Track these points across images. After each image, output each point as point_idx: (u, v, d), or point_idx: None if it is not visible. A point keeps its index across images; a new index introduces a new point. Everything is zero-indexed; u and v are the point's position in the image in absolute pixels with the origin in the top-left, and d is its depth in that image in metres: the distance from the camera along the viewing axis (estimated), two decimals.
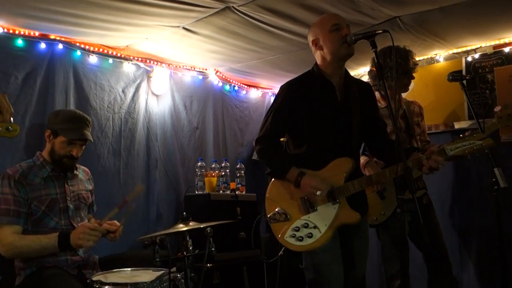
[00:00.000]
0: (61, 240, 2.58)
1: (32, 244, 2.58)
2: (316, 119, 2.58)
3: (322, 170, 2.55)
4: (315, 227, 2.48)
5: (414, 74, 3.31)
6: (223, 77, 5.02)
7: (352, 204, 2.51)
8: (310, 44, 2.67)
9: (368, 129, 2.70)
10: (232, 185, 4.49)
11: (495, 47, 4.05)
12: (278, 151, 2.67)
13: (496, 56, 4.04)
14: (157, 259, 2.39)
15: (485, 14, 3.44)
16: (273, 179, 2.69)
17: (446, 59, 4.31)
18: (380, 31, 2.26)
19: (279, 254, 3.46)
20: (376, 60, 2.26)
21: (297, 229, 2.51)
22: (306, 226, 2.50)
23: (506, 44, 3.98)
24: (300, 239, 2.49)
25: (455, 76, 3.08)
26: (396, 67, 3.28)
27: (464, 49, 4.17)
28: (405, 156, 2.15)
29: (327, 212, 2.49)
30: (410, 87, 3.45)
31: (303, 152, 2.62)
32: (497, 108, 3.01)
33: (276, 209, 2.57)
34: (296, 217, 2.53)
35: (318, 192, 2.44)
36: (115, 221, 2.82)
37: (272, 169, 2.68)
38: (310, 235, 2.48)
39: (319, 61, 2.66)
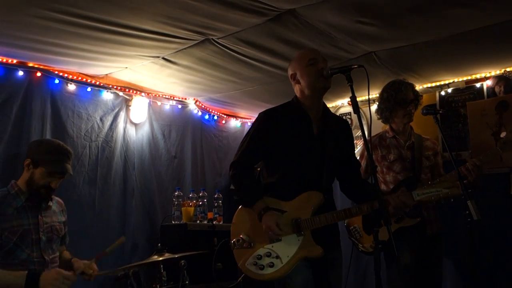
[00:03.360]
0: (29, 281, 2.43)
1: None
2: (290, 149, 2.59)
3: (291, 201, 2.55)
4: (277, 257, 2.47)
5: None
6: (203, 106, 5.04)
7: (317, 238, 2.50)
8: (290, 78, 2.72)
9: (342, 166, 2.72)
10: (210, 215, 4.46)
11: (467, 82, 4.17)
12: (249, 180, 2.65)
13: (468, 91, 4.16)
14: None
15: (457, 51, 3.56)
16: (240, 207, 2.69)
17: (420, 92, 4.40)
18: (355, 66, 2.31)
19: (238, 280, 3.41)
20: (352, 94, 2.31)
21: (259, 257, 2.49)
22: (268, 255, 2.48)
23: (477, 80, 4.11)
24: (261, 267, 2.47)
25: (429, 110, 3.15)
26: (388, 99, 3.37)
27: (437, 83, 4.28)
28: (375, 192, 2.18)
29: (291, 243, 2.48)
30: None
31: (275, 181, 2.62)
32: (503, 134, 3.07)
33: (241, 235, 2.56)
34: (260, 245, 2.52)
35: (276, 232, 2.44)
36: (94, 265, 2.77)
37: (240, 197, 2.68)
38: (271, 265, 2.46)
39: (298, 94, 2.69)
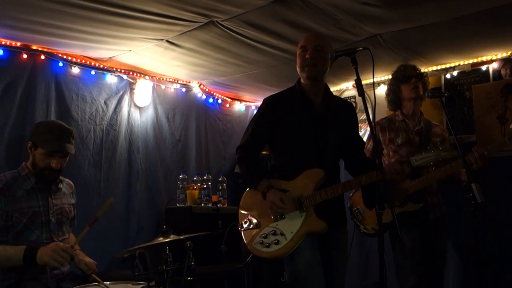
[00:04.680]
0: (27, 254, 2.47)
1: None
2: (293, 132, 2.65)
3: (293, 180, 2.61)
4: (282, 234, 2.53)
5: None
6: (207, 90, 5.03)
7: (320, 214, 2.55)
8: None
9: (346, 148, 2.76)
10: (214, 198, 4.48)
11: (473, 65, 4.14)
12: (254, 162, 2.72)
13: (474, 74, 4.13)
14: (136, 273, 2.36)
15: (463, 33, 3.52)
16: (246, 191, 2.75)
17: None
18: (360, 48, 2.30)
19: (247, 260, 3.46)
20: (356, 77, 2.30)
21: (265, 236, 2.56)
22: (273, 233, 2.55)
23: (483, 63, 4.08)
24: (267, 245, 2.54)
25: (434, 93, 3.14)
26: (392, 82, 3.39)
27: (443, 66, 4.26)
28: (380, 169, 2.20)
29: (294, 220, 2.55)
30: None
31: (278, 163, 2.71)
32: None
33: (248, 217, 2.64)
34: (265, 224, 2.59)
35: (276, 208, 2.51)
36: (93, 264, 2.80)
37: (246, 178, 2.76)
38: (276, 242, 2.53)
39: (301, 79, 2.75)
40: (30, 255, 2.46)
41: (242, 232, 2.65)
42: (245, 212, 2.69)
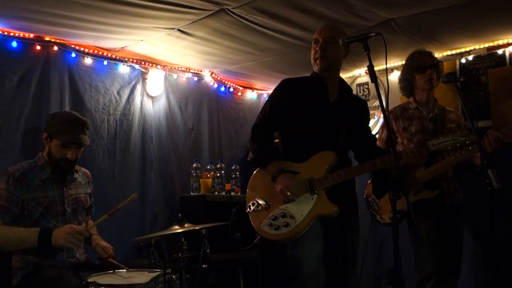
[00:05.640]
0: (41, 235, 2.52)
1: (11, 234, 2.52)
2: (305, 114, 2.65)
3: (304, 162, 2.59)
4: (291, 216, 2.50)
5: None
6: (218, 78, 5.02)
7: (332, 197, 2.53)
8: None
9: (357, 140, 2.75)
10: (227, 186, 4.50)
11: (488, 49, 4.07)
12: (267, 141, 2.69)
13: (489, 58, 4.06)
14: (152, 261, 2.39)
15: (479, 16, 3.46)
16: (255, 171, 2.73)
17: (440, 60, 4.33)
18: (373, 34, 2.27)
19: (254, 242, 3.46)
20: (369, 63, 2.28)
21: (274, 218, 2.53)
22: (283, 215, 2.51)
23: (499, 46, 4.00)
24: (276, 228, 2.51)
25: (449, 78, 3.10)
26: (406, 70, 3.35)
27: (458, 51, 4.19)
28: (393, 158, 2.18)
29: (305, 203, 2.52)
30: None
31: (290, 145, 2.71)
32: None
33: (256, 199, 2.61)
34: (275, 206, 2.56)
35: (289, 193, 2.48)
36: (110, 249, 2.83)
37: (256, 156, 2.71)
38: (286, 225, 2.49)
39: None
40: (44, 236, 2.51)
41: (249, 214, 2.62)
42: (253, 193, 2.66)
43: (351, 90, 2.89)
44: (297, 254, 2.53)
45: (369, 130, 2.94)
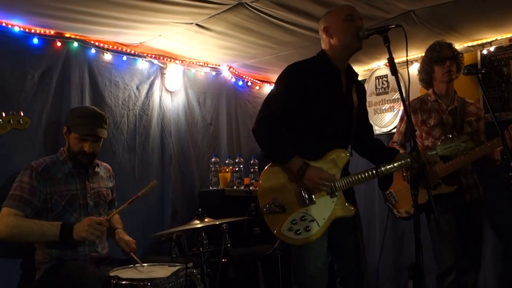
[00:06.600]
0: (63, 229, 2.58)
1: (33, 226, 2.58)
2: (320, 108, 2.50)
3: (318, 161, 2.49)
4: (312, 220, 2.44)
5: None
6: (236, 73, 5.02)
7: (347, 198, 2.51)
8: (321, 30, 2.66)
9: (359, 132, 2.70)
10: (246, 181, 4.50)
11: (510, 39, 3.98)
12: (282, 134, 2.50)
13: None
14: (174, 255, 2.41)
15: (500, 6, 3.39)
16: (266, 167, 2.60)
17: (461, 52, 4.25)
18: (393, 26, 2.25)
19: (274, 247, 3.42)
20: (389, 55, 2.25)
21: (295, 222, 2.45)
22: (304, 219, 2.44)
23: None
24: (298, 232, 2.44)
25: (470, 69, 3.05)
26: (425, 61, 3.31)
27: (479, 42, 4.11)
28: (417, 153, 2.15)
29: (326, 206, 2.46)
30: None
31: (301, 141, 2.53)
32: None
33: (272, 201, 2.48)
34: (294, 209, 2.47)
35: (328, 183, 2.41)
36: (133, 243, 2.86)
37: (273, 152, 2.54)
38: (308, 229, 2.43)
39: (327, 48, 2.63)
40: (66, 230, 2.57)
41: (265, 216, 2.51)
42: (267, 193, 2.52)
43: (357, 75, 2.75)
44: (303, 254, 2.50)
45: (368, 118, 2.87)
